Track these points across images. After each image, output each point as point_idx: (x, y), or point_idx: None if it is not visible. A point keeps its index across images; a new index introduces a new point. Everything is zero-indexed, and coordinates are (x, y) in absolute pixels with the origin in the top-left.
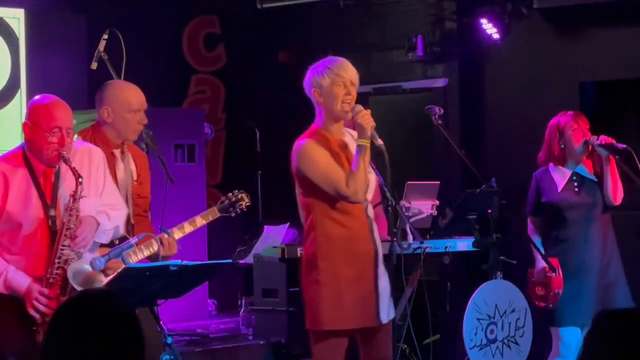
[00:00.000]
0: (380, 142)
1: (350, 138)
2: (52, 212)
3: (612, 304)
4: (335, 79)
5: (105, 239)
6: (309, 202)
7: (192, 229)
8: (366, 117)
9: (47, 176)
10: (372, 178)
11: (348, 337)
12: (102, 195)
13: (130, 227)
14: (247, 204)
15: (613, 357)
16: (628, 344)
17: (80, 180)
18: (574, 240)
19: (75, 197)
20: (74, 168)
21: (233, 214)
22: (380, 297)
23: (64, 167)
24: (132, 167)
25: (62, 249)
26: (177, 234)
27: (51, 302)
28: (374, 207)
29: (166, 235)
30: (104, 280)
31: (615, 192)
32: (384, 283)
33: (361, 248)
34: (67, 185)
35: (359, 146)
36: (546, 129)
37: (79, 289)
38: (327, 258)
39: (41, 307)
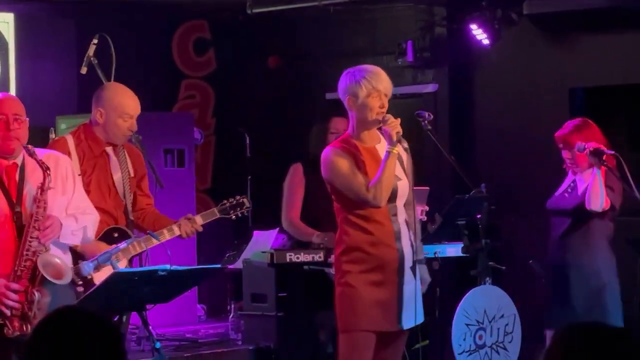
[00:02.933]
0: (405, 145)
1: (384, 145)
2: (17, 209)
3: (604, 307)
4: (372, 92)
5: (75, 240)
6: (337, 208)
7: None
8: (393, 125)
9: (10, 174)
10: (404, 185)
11: (375, 337)
12: (72, 200)
13: (129, 223)
14: (248, 208)
15: None
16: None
17: (48, 172)
18: (570, 242)
19: (43, 188)
20: (41, 160)
21: (233, 217)
22: (404, 303)
23: (29, 163)
24: (129, 162)
25: (30, 241)
26: (167, 237)
27: (20, 295)
28: None
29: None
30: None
31: (592, 198)
32: (410, 290)
33: (384, 254)
34: (33, 181)
35: (386, 152)
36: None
37: (50, 279)
38: (350, 262)
39: (9, 302)
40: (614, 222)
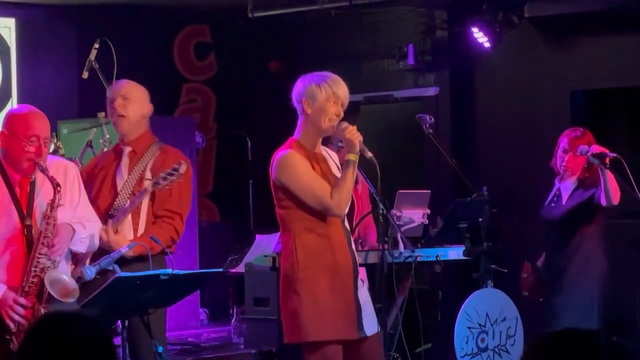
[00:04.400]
0: (370, 154)
1: (327, 155)
2: (27, 222)
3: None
4: (331, 96)
5: (82, 248)
6: (287, 213)
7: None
8: (354, 133)
9: (23, 186)
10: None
11: (341, 346)
12: (76, 209)
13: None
14: (178, 172)
15: None
16: None
17: (58, 188)
18: (553, 251)
19: (53, 205)
20: (52, 177)
21: (165, 184)
22: (362, 309)
23: (40, 177)
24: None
25: (38, 257)
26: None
27: (27, 311)
28: (364, 216)
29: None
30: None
31: (612, 193)
32: (364, 295)
33: (340, 259)
34: (43, 195)
35: (347, 161)
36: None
37: (57, 297)
38: (306, 268)
39: (16, 317)
40: (604, 225)
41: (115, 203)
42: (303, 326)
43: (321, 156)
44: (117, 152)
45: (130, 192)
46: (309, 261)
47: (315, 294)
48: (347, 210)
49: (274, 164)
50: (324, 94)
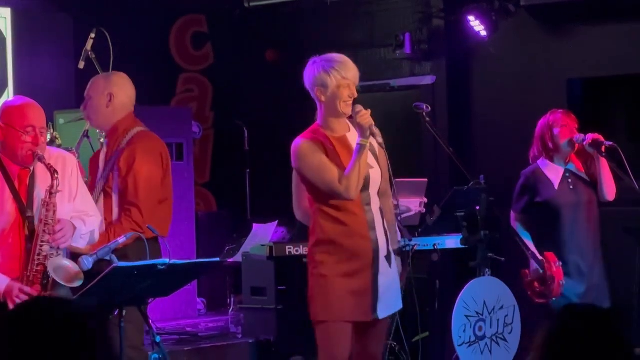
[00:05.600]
0: (380, 140)
1: (355, 134)
2: (29, 213)
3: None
4: (341, 81)
5: (82, 244)
6: (311, 198)
7: None
8: (365, 117)
9: (22, 178)
10: (376, 173)
11: (350, 327)
12: (75, 201)
13: None
14: None
15: (575, 354)
16: (589, 342)
17: (56, 175)
18: (570, 237)
19: (51, 191)
20: (49, 164)
21: None
22: (379, 292)
23: (38, 168)
24: None
25: (41, 245)
26: None
27: None
28: None
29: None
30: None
31: (609, 188)
32: (386, 279)
33: (358, 244)
34: (43, 186)
35: (357, 144)
36: (536, 127)
37: (62, 282)
38: (323, 252)
39: None
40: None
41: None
42: (313, 306)
43: (344, 139)
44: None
45: (101, 188)
46: (325, 246)
47: (329, 277)
48: (374, 191)
49: (291, 154)
50: (334, 81)
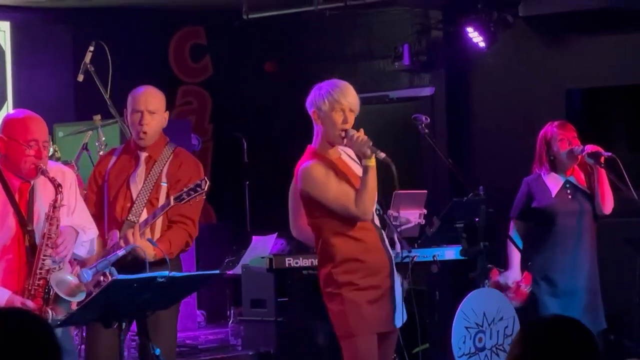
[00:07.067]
0: (382, 155)
1: (345, 156)
2: (29, 227)
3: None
4: (335, 106)
5: (83, 252)
6: (318, 222)
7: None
8: (362, 139)
9: (22, 192)
10: None
11: (376, 338)
12: (73, 215)
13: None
14: (202, 190)
15: None
16: (552, 352)
17: (60, 188)
18: (566, 246)
19: (55, 205)
20: (53, 178)
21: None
22: (396, 301)
23: (39, 182)
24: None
25: (43, 259)
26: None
27: None
28: None
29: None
30: (91, 290)
31: (605, 200)
32: (398, 288)
33: (376, 258)
34: (44, 199)
35: (364, 167)
36: (536, 141)
37: (64, 297)
38: (347, 272)
39: None
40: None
41: (133, 210)
42: (344, 323)
43: (340, 161)
44: (134, 157)
45: (146, 199)
46: (347, 265)
47: (356, 296)
48: (372, 213)
49: (299, 176)
50: (327, 105)
